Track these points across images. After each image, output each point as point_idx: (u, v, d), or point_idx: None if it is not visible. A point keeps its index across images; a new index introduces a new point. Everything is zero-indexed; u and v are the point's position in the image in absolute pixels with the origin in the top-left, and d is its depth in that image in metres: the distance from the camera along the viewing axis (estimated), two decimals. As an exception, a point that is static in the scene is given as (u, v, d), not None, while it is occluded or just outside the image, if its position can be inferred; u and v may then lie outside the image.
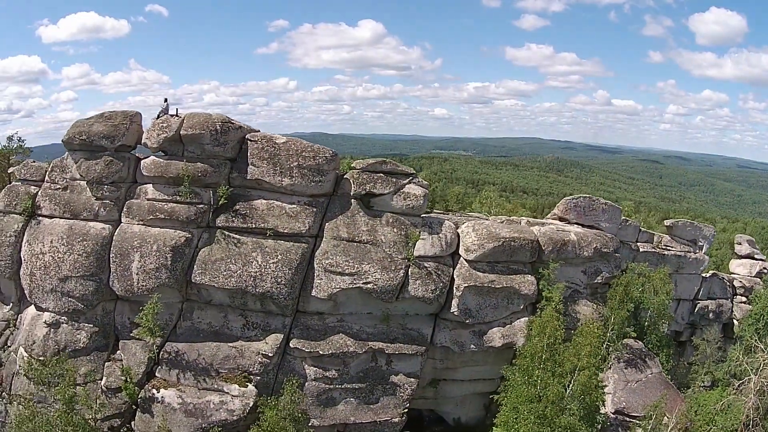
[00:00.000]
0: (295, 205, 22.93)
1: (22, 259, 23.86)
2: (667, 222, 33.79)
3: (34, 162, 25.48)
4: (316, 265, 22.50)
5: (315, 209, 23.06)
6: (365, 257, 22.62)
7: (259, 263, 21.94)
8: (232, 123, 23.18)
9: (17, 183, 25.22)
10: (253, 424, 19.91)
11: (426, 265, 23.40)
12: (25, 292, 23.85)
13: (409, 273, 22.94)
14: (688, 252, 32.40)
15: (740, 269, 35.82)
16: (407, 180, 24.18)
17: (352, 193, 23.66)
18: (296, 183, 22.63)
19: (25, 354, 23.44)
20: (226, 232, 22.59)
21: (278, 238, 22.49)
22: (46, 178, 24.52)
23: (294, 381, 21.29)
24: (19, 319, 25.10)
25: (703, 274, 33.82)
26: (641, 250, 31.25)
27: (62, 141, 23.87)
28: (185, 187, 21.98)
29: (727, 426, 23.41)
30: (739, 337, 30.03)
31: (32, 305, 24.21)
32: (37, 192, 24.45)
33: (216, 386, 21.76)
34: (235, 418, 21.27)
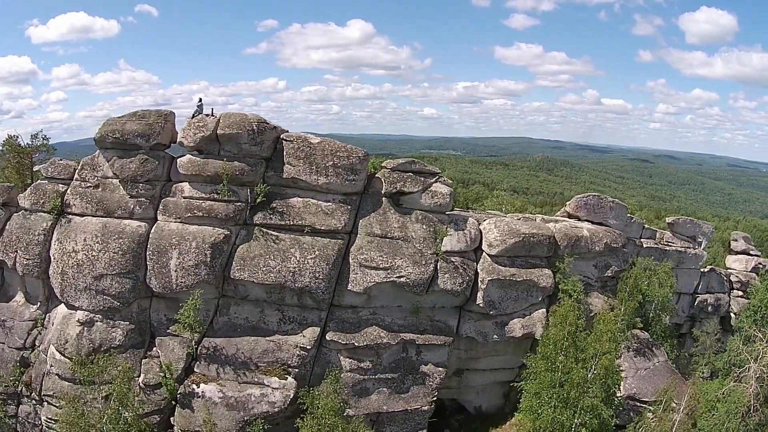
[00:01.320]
0: (330, 203, 25.01)
1: (52, 257, 25.09)
2: (668, 219, 37.51)
3: (61, 160, 26.96)
4: (351, 261, 24.63)
5: (349, 207, 25.16)
6: (397, 252, 24.93)
7: (298, 259, 23.93)
8: (267, 123, 24.96)
9: (43, 181, 26.50)
10: (306, 414, 21.78)
11: (453, 259, 25.89)
12: (56, 290, 25.10)
13: (438, 267, 25.32)
14: (688, 248, 36.19)
15: (736, 264, 39.93)
16: (434, 179, 26.58)
17: (383, 192, 25.86)
18: (332, 182, 24.71)
19: (57, 353, 24.79)
20: (264, 229, 24.46)
21: (315, 234, 24.52)
22: (76, 176, 25.83)
23: (336, 373, 23.45)
24: (47, 319, 26.35)
25: (702, 269, 37.86)
26: (645, 245, 34.69)
27: (94, 139, 25.28)
28: (224, 186, 23.89)
29: (731, 410, 26.92)
30: (738, 328, 33.91)
31: (62, 304, 25.46)
32: (66, 190, 25.98)
33: (256, 379, 23.55)
34: (276, 410, 23.09)
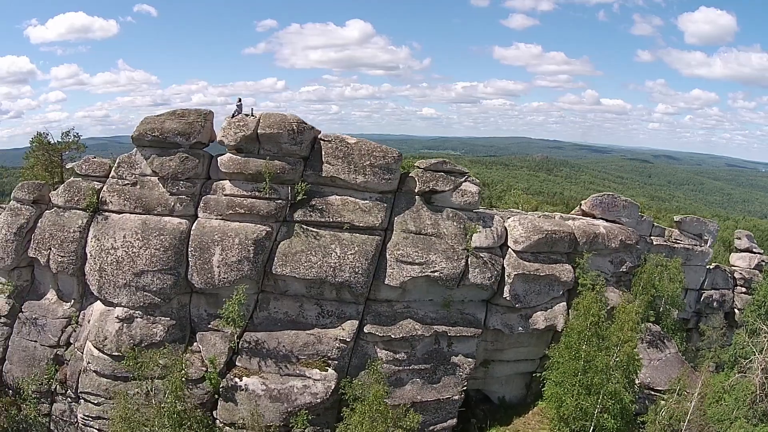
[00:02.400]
0: (367, 201, 27.77)
1: (88, 254, 27.14)
2: (676, 217, 42.07)
3: (95, 157, 29.37)
4: (388, 256, 27.43)
5: (385, 204, 28.01)
6: (431, 248, 27.97)
7: (338, 254, 26.65)
8: (306, 123, 27.51)
9: (78, 179, 28.74)
10: (355, 403, 24.41)
11: (482, 255, 28.93)
12: (92, 287, 27.15)
13: (469, 262, 28.47)
14: (695, 245, 40.85)
15: (740, 262, 44.73)
16: (463, 178, 29.82)
17: (416, 190, 28.74)
18: (369, 180, 27.49)
19: (95, 350, 27.02)
20: (305, 226, 27.11)
21: (353, 231, 27.33)
22: (112, 173, 27.96)
23: (377, 364, 26.31)
24: (81, 316, 28.55)
25: (708, 266, 42.63)
26: (654, 243, 39.16)
27: (131, 137, 27.67)
28: (266, 184, 26.50)
29: (740, 397, 31.25)
30: (743, 322, 38.70)
31: (98, 301, 27.55)
32: (101, 187, 28.22)
33: (298, 372, 26.13)
34: (318, 400, 25.75)
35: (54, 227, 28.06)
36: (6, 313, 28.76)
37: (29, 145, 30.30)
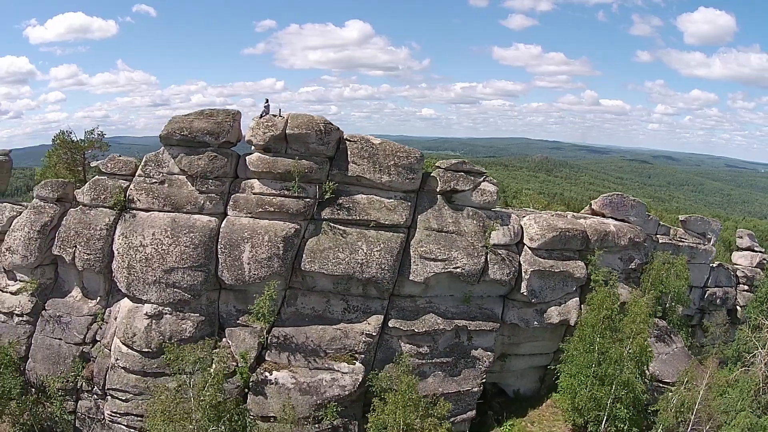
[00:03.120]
0: (392, 200, 30.11)
1: (116, 252, 29.05)
2: (681, 217, 45.66)
3: (121, 156, 31.49)
4: (412, 253, 29.80)
5: (409, 203, 30.38)
6: (453, 245, 30.56)
7: (365, 251, 28.97)
8: (332, 124, 29.67)
9: (103, 177, 30.69)
10: (386, 393, 26.78)
11: (500, 252, 31.71)
12: (120, 285, 28.94)
13: (488, 259, 31.15)
14: (698, 244, 44.51)
15: (742, 260, 48.42)
16: (482, 178, 32.50)
17: (438, 189, 31.21)
18: (393, 180, 29.83)
19: (123, 347, 29.07)
20: (332, 224, 29.41)
21: (379, 228, 29.69)
22: (139, 172, 29.85)
23: (404, 357, 28.89)
24: (107, 313, 30.49)
25: (711, 264, 46.38)
26: (660, 241, 42.71)
27: (160, 136, 29.58)
28: (295, 183, 28.67)
29: (744, 389, 34.65)
30: (746, 318, 42.40)
31: (125, 298, 29.48)
32: (128, 186, 30.40)
33: (326, 365, 28.34)
34: (346, 393, 27.98)
35: (80, 225, 29.96)
36: (29, 311, 30.39)
37: (51, 143, 32.16)
